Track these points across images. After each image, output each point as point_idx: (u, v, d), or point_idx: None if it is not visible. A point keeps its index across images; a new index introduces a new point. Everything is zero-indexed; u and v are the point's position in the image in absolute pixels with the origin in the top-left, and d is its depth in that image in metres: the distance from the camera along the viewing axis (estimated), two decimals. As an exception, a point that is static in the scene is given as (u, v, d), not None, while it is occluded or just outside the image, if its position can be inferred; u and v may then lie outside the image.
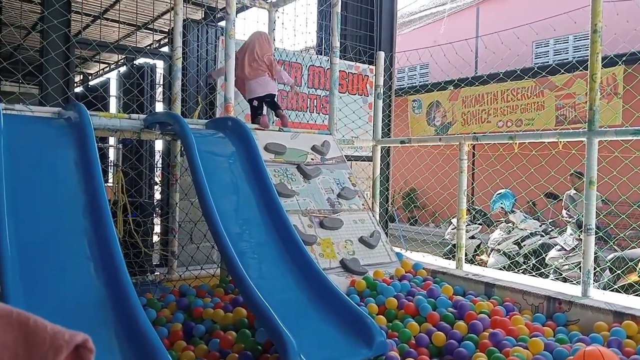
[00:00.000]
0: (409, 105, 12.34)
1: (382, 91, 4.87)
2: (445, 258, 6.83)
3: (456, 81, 10.00)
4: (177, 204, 4.15)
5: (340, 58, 6.06)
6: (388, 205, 6.71)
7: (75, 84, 4.46)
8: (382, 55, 4.91)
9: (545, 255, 5.70)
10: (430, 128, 12.24)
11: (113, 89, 7.71)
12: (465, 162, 4.04)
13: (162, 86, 5.66)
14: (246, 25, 5.49)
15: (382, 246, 3.33)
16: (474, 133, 10.13)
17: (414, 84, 13.20)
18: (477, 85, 10.34)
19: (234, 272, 2.39)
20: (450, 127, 11.76)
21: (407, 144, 4.59)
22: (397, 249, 3.76)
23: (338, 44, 3.99)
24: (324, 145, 3.74)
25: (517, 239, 6.05)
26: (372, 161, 5.31)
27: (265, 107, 4.39)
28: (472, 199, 9.60)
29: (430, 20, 12.25)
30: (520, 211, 6.29)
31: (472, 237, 6.65)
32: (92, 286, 2.11)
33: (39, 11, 9.86)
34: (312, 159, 3.62)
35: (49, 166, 2.48)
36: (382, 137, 4.84)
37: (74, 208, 2.37)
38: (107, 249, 2.21)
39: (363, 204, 3.54)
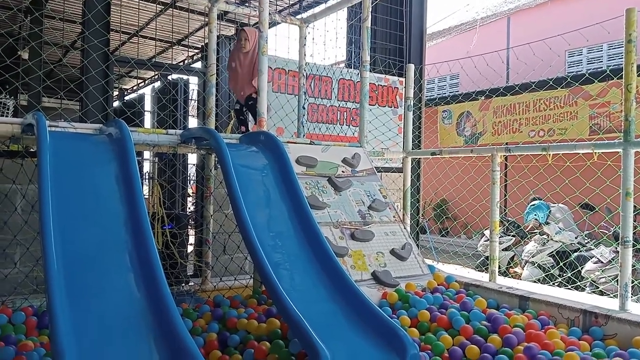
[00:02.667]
0: (438, 116, 12.28)
1: (412, 103, 4.89)
2: (478, 270, 6.75)
3: (488, 92, 9.92)
4: (211, 215, 4.24)
5: (370, 71, 6.13)
6: (419, 217, 6.68)
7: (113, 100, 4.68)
8: (411, 67, 4.93)
9: (582, 268, 5.58)
10: (460, 138, 12.16)
11: (148, 104, 7.95)
12: (498, 174, 4.01)
13: (196, 101, 5.81)
14: (277, 40, 5.61)
15: (413, 258, 3.33)
16: (506, 144, 10.03)
17: (444, 95, 13.15)
18: (509, 95, 10.22)
19: (268, 283, 2.44)
20: (481, 137, 11.64)
21: (437, 156, 4.58)
22: (428, 261, 3.75)
23: (368, 58, 4.03)
24: (354, 158, 3.77)
25: (552, 251, 5.94)
26: (402, 173, 5.33)
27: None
28: (505, 210, 9.47)
29: (460, 30, 12.19)
30: (555, 223, 6.18)
31: (506, 249, 6.56)
32: (133, 298, 2.17)
33: (79, 30, 10.26)
34: (342, 172, 3.66)
35: (92, 181, 2.58)
36: (413, 149, 4.86)
37: (115, 222, 2.45)
38: (148, 262, 2.28)
39: (394, 216, 3.55)
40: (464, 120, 11.95)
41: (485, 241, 6.64)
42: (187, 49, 12.46)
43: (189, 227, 4.82)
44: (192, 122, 6.39)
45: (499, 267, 6.82)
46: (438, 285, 3.20)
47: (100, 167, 2.63)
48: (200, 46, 11.59)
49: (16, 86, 4.05)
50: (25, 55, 7.51)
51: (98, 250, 2.34)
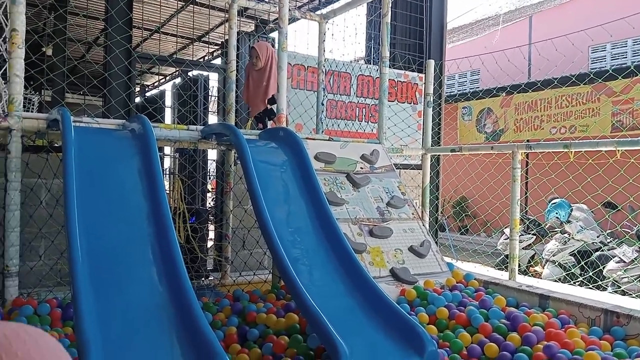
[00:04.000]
0: (458, 112, 12.17)
1: (431, 99, 4.87)
2: (498, 269, 6.70)
3: (509, 88, 9.79)
4: (231, 211, 4.28)
5: (390, 67, 6.11)
6: (438, 214, 6.64)
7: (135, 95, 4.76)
8: (431, 63, 4.90)
9: (603, 268, 5.50)
10: (480, 135, 12.03)
11: (168, 100, 8.03)
12: (519, 171, 3.98)
13: (216, 97, 5.86)
14: (297, 36, 5.62)
15: (432, 256, 3.33)
16: (527, 141, 9.89)
17: (465, 91, 13.02)
18: (531, 92, 10.08)
19: (287, 278, 2.46)
20: (502, 134, 11.51)
21: (457, 152, 4.56)
22: (447, 259, 3.74)
23: (387, 54, 4.02)
24: (373, 154, 3.77)
25: (574, 250, 5.86)
26: (421, 170, 5.30)
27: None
28: (525, 208, 9.36)
29: (482, 26, 12.05)
30: (577, 221, 6.10)
31: (526, 248, 6.49)
32: (155, 291, 2.22)
33: (101, 27, 10.39)
34: (361, 168, 3.66)
35: (115, 175, 2.63)
36: (432, 146, 4.83)
37: (138, 216, 2.50)
38: (170, 256, 2.32)
39: (413, 213, 3.55)
40: (484, 117, 11.83)
41: (505, 239, 6.58)
42: (207, 45, 12.56)
43: (209, 222, 4.86)
44: (212, 119, 6.44)
45: (519, 266, 6.76)
46: (457, 283, 3.19)
47: (123, 162, 2.68)
48: (220, 42, 11.68)
49: (41, 82, 4.14)
50: (50, 52, 7.65)
51: (121, 244, 2.39)
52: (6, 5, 2.88)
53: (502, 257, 6.50)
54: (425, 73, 4.91)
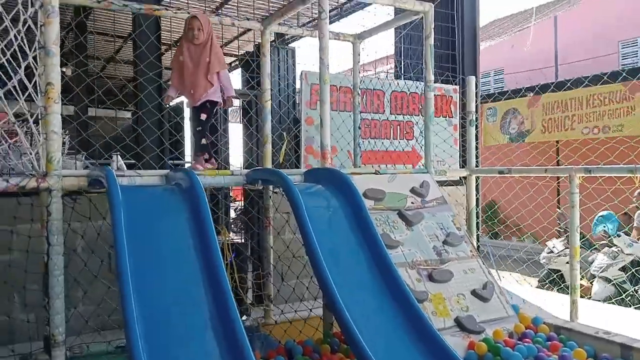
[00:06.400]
0: (483, 113, 11.86)
1: (474, 117, 4.65)
2: (541, 283, 6.45)
3: (538, 88, 9.49)
4: (271, 247, 4.11)
5: (422, 80, 5.87)
6: (479, 232, 6.40)
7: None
8: (472, 80, 4.68)
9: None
10: (504, 137, 11.71)
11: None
12: (577, 196, 3.74)
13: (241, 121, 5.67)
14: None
15: (496, 298, 3.11)
16: (557, 142, 9.52)
17: (488, 92, 12.70)
18: (563, 91, 9.75)
19: (350, 338, 2.30)
20: (528, 134, 11.20)
21: (506, 175, 4.33)
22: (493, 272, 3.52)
23: (432, 78, 3.81)
24: (423, 187, 3.56)
25: (624, 265, 5.59)
26: (459, 185, 5.10)
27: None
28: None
29: (507, 24, 11.74)
30: (626, 234, 5.83)
31: (570, 262, 6.23)
32: (213, 353, 2.13)
33: (120, 44, 10.29)
34: (412, 203, 3.45)
35: (164, 233, 2.49)
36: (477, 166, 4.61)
37: (191, 274, 2.37)
38: (226, 315, 2.22)
39: (471, 251, 3.34)
40: (509, 118, 11.52)
41: (548, 253, 6.33)
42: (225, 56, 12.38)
43: (249, 258, 4.71)
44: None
45: (564, 281, 6.50)
46: (526, 328, 2.97)
47: (172, 218, 2.53)
48: (237, 54, 11.52)
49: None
50: (69, 72, 7.55)
51: (175, 303, 2.27)
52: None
53: (546, 271, 6.24)
54: (467, 90, 4.68)
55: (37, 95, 2.67)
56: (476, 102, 5.96)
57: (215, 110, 3.56)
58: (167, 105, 3.96)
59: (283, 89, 6.27)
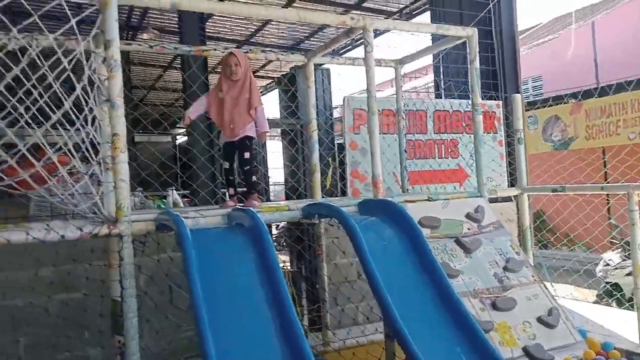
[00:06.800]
0: (524, 122, 11.64)
1: (522, 135, 4.60)
2: (599, 297, 6.26)
3: (580, 96, 9.27)
4: (325, 275, 4.14)
5: (464, 98, 5.85)
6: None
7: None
8: (518, 98, 4.65)
9: None
10: (546, 145, 11.45)
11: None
12: (637, 214, 3.65)
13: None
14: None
15: (562, 324, 3.05)
16: (603, 148, 9.26)
17: (528, 99, 12.49)
18: (609, 96, 9.49)
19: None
20: (572, 142, 10.92)
21: (560, 193, 4.26)
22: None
23: (480, 101, 3.80)
24: (478, 211, 3.54)
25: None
26: (507, 202, 5.03)
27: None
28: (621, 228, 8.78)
29: (543, 31, 11.55)
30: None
31: (629, 274, 6.03)
32: None
33: (159, 72, 10.57)
34: (468, 229, 3.43)
35: (233, 274, 2.56)
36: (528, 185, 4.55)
37: (262, 311, 2.43)
38: (299, 353, 2.24)
39: (532, 276, 3.29)
40: (551, 125, 11.27)
41: (604, 266, 6.15)
42: (262, 79, 12.66)
43: (304, 284, 4.77)
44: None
45: (623, 295, 6.28)
46: (596, 355, 2.90)
47: (240, 258, 2.60)
48: (274, 77, 11.73)
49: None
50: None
51: (250, 344, 2.32)
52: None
53: (604, 286, 6.06)
54: (512, 108, 4.65)
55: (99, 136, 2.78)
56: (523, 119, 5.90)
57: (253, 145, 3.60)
58: (186, 126, 3.93)
59: (322, 111, 6.34)
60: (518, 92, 6.04)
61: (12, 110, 2.44)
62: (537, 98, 11.99)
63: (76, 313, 3.45)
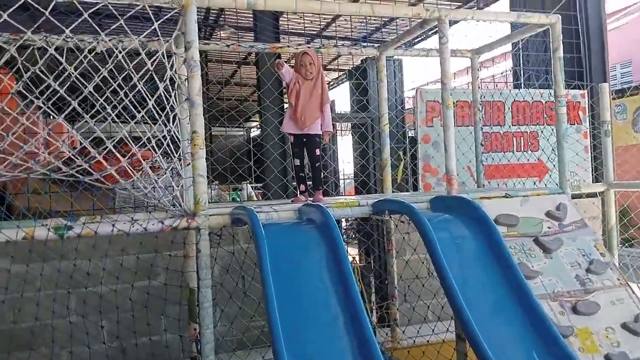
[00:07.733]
0: (611, 111, 10.90)
1: (609, 127, 4.32)
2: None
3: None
4: (396, 274, 4.12)
5: (546, 87, 5.56)
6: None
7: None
8: (605, 87, 4.36)
9: None
10: (638, 135, 10.66)
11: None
12: None
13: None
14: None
15: (651, 333, 2.85)
16: None
17: (615, 86, 11.68)
18: None
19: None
20: (666, 132, 10.10)
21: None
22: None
23: (564, 93, 3.59)
24: (560, 209, 3.36)
25: None
26: (590, 197, 4.77)
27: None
28: None
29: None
30: None
31: None
32: None
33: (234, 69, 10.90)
34: (548, 228, 3.27)
35: (303, 268, 2.61)
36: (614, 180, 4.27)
37: (333, 311, 2.45)
38: (368, 351, 2.27)
39: (618, 279, 3.09)
40: (643, 115, 10.49)
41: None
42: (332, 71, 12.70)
43: (373, 279, 4.76)
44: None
45: None
46: (690, 367, 2.69)
47: (311, 253, 2.65)
48: (345, 69, 11.72)
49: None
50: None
51: (319, 336, 2.38)
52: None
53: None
54: (599, 98, 4.37)
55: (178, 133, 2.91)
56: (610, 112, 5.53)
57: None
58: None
59: (393, 105, 6.27)
60: (605, 81, 5.64)
61: (100, 109, 2.60)
62: (625, 86, 11.20)
63: (155, 301, 3.63)
